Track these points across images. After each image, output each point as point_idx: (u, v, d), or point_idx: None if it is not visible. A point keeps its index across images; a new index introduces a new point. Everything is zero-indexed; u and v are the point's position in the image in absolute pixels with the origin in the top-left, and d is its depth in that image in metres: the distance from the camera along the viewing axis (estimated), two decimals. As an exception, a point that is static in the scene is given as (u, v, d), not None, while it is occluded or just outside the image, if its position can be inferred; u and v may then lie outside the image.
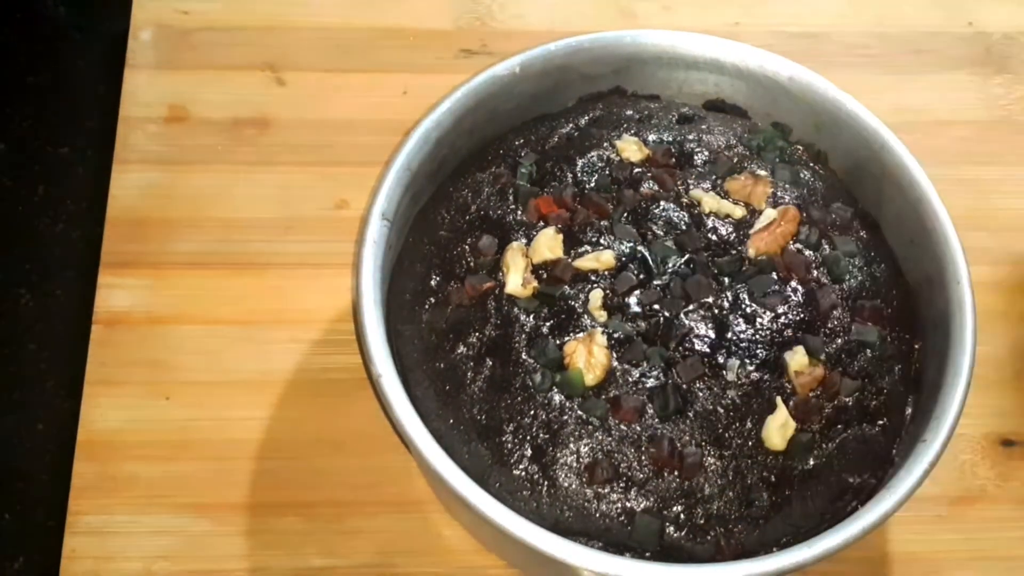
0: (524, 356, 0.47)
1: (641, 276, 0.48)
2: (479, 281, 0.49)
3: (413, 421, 0.45)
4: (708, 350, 0.47)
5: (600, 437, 0.45)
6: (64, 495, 0.53)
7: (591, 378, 0.46)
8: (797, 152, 0.55)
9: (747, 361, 0.47)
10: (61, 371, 0.58)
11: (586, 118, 0.55)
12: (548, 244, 0.49)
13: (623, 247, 0.49)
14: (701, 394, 0.46)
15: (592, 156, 0.52)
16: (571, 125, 0.55)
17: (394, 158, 0.51)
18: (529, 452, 0.46)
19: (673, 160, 0.53)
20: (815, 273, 0.49)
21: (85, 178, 0.64)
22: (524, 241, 0.50)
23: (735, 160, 0.53)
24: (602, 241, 0.49)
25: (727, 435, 0.46)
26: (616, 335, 0.47)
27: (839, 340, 0.48)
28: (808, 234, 0.50)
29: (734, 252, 0.49)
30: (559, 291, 0.48)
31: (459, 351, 0.48)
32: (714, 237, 0.50)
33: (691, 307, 0.48)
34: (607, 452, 0.45)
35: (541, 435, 0.46)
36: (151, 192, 0.61)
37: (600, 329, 0.47)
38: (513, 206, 0.51)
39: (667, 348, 0.47)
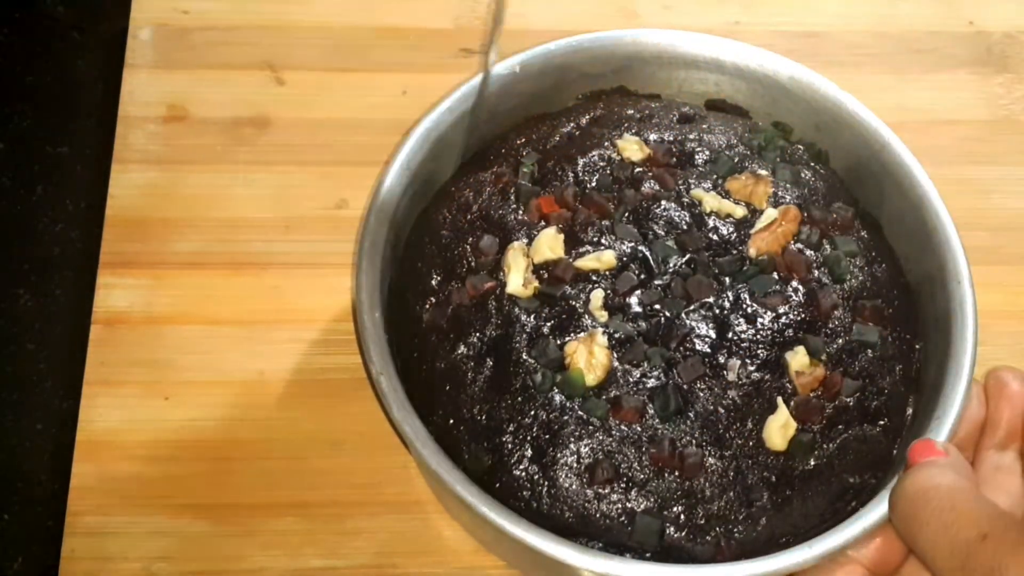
0: (525, 356, 0.47)
1: (642, 276, 0.48)
2: (480, 281, 0.49)
3: (413, 421, 0.45)
4: (709, 350, 0.47)
5: (601, 437, 0.45)
6: (63, 495, 0.52)
7: (592, 378, 0.46)
8: (798, 152, 0.55)
9: (748, 361, 0.47)
10: (60, 371, 0.58)
11: (587, 117, 0.55)
12: (549, 244, 0.49)
13: (624, 247, 0.49)
14: (702, 394, 0.46)
15: (593, 155, 0.52)
16: (572, 124, 0.55)
17: (394, 158, 0.51)
18: (529, 452, 0.45)
19: (674, 159, 0.53)
20: (816, 273, 0.49)
21: (84, 178, 0.64)
22: (525, 241, 0.50)
23: (736, 160, 0.53)
24: (603, 241, 0.49)
25: (728, 435, 0.46)
26: (617, 335, 0.47)
27: (840, 340, 0.48)
28: (809, 234, 0.50)
29: (735, 252, 0.49)
30: (560, 291, 0.48)
31: (459, 351, 0.48)
32: (715, 237, 0.50)
33: (692, 307, 0.48)
34: (607, 452, 0.45)
35: (541, 435, 0.45)
36: (150, 192, 0.61)
37: (601, 329, 0.47)
38: (514, 206, 0.51)
39: (668, 348, 0.47)
